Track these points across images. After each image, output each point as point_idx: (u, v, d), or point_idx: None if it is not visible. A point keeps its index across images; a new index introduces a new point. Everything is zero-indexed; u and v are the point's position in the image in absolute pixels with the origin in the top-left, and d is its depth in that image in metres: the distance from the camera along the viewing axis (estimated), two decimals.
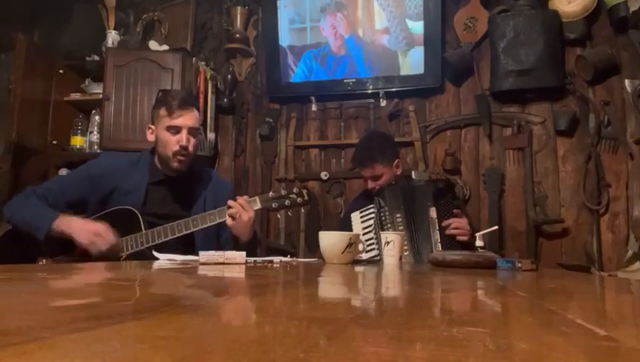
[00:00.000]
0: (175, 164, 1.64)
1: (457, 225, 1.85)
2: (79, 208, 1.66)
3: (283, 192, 1.64)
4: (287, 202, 1.62)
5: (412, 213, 1.89)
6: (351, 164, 2.26)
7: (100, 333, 0.31)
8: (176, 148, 1.62)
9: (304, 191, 1.64)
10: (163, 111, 1.65)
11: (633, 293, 0.86)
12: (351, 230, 1.96)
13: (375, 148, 2.09)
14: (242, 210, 1.56)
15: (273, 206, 1.63)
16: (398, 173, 2.11)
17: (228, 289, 0.73)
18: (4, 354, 0.24)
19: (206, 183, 1.76)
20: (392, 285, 0.87)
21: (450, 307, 0.54)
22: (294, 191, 1.64)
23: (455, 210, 1.90)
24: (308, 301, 0.59)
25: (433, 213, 1.87)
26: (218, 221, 1.57)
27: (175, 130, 1.63)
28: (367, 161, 2.05)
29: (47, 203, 1.57)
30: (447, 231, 1.84)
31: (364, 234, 1.93)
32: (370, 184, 2.06)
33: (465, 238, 1.83)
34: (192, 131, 1.66)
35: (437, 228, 1.85)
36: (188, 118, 1.65)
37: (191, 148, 1.65)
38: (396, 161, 2.10)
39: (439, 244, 1.82)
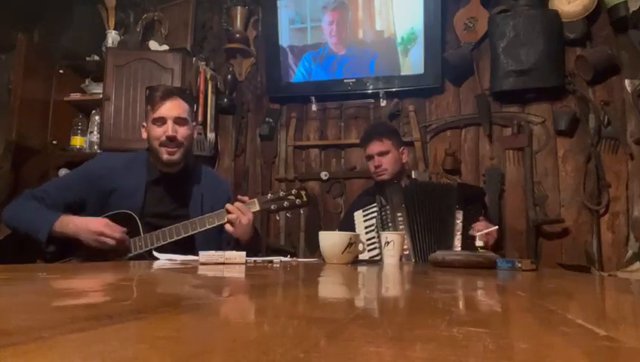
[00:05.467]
0: (165, 156, 1.60)
1: (481, 229, 1.73)
2: (78, 209, 1.65)
3: (282, 193, 1.60)
4: (285, 203, 1.59)
5: (423, 211, 1.83)
6: (361, 144, 2.18)
7: (100, 333, 0.31)
8: (163, 139, 1.59)
9: (303, 193, 1.60)
10: (148, 107, 1.65)
11: (633, 293, 0.86)
12: (353, 228, 1.95)
13: (384, 126, 2.17)
14: (241, 215, 1.54)
15: (272, 208, 1.60)
16: (404, 160, 2.09)
17: (228, 289, 0.73)
18: (4, 354, 0.24)
19: (203, 181, 1.74)
20: (392, 285, 0.87)
21: (450, 307, 0.54)
22: (293, 192, 1.60)
23: (481, 217, 1.84)
24: (308, 301, 0.59)
25: (460, 216, 1.81)
26: (217, 224, 1.55)
27: (160, 121, 1.61)
28: (376, 135, 2.05)
29: (45, 205, 1.55)
30: (471, 232, 1.76)
31: (366, 233, 1.91)
32: (377, 161, 2.02)
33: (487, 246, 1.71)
34: (178, 120, 1.62)
35: (460, 232, 1.79)
36: (171, 108, 1.61)
37: (180, 137, 1.61)
38: (402, 148, 2.10)
39: (459, 249, 1.76)
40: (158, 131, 1.61)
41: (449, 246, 1.79)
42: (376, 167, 2.04)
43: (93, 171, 1.66)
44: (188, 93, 1.84)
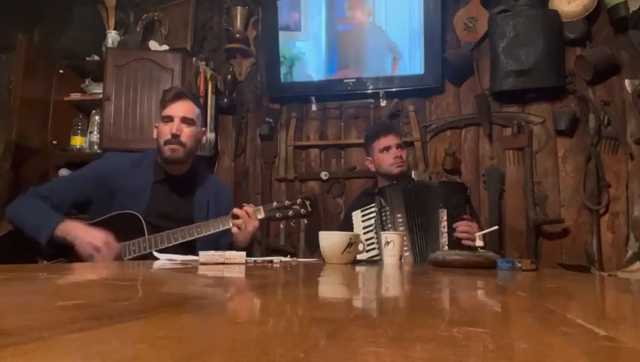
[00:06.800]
0: (167, 153, 1.64)
1: (466, 228, 1.78)
2: (83, 208, 1.66)
3: (287, 203, 1.65)
4: (290, 213, 1.63)
5: (418, 212, 1.85)
6: (374, 134, 2.17)
7: (100, 333, 0.31)
8: (168, 136, 1.63)
9: (307, 203, 1.65)
10: (160, 106, 1.70)
11: (633, 293, 0.86)
12: (352, 229, 1.95)
13: (394, 124, 2.24)
14: (248, 220, 1.58)
15: (277, 216, 1.64)
16: (408, 160, 2.16)
17: (228, 289, 0.73)
18: (4, 354, 0.24)
19: (209, 187, 1.77)
20: (392, 285, 0.87)
21: (450, 307, 0.54)
22: (298, 201, 1.65)
23: (465, 216, 1.85)
24: (308, 301, 0.59)
25: (444, 214, 1.83)
26: (222, 229, 1.57)
27: (168, 119, 1.66)
28: (394, 128, 2.13)
29: (51, 204, 1.56)
30: (455, 234, 1.80)
31: (364, 233, 1.92)
32: (397, 151, 2.06)
33: (472, 243, 1.73)
34: (185, 120, 1.66)
35: (446, 230, 1.81)
36: (180, 108, 1.66)
37: (184, 138, 1.65)
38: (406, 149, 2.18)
39: (446, 247, 1.78)
40: (165, 129, 1.65)
41: (437, 245, 1.80)
42: (396, 158, 2.05)
43: (100, 170, 1.68)
44: (195, 95, 1.87)
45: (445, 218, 1.82)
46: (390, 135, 2.10)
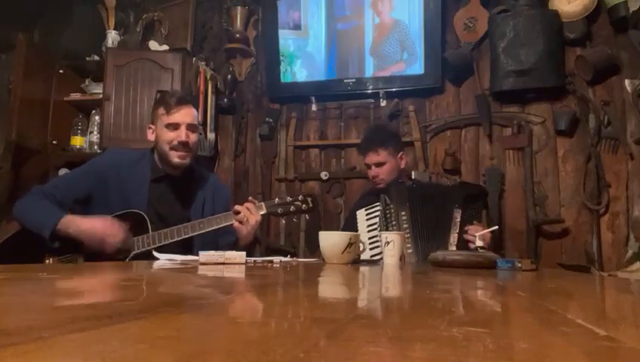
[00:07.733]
0: (175, 160, 1.66)
1: (475, 233, 1.72)
2: (85, 204, 1.67)
3: (288, 199, 1.66)
4: (292, 208, 1.64)
5: (425, 211, 1.84)
6: (358, 152, 2.22)
7: (100, 333, 0.31)
8: (175, 143, 1.65)
9: (309, 199, 1.66)
10: (162, 110, 1.69)
11: (633, 293, 0.86)
12: (356, 227, 1.95)
13: (380, 135, 2.18)
14: (250, 215, 1.60)
15: (279, 211, 1.65)
16: (403, 165, 2.11)
17: (228, 289, 0.73)
18: (4, 354, 0.24)
19: (206, 186, 1.78)
20: (392, 285, 0.87)
21: (450, 307, 0.54)
22: (300, 198, 1.66)
23: (475, 221, 1.83)
24: (308, 301, 0.59)
25: (458, 215, 1.82)
26: (224, 224, 1.59)
27: (174, 126, 1.67)
28: (372, 146, 2.08)
29: (55, 200, 1.58)
30: (465, 236, 1.78)
31: (368, 231, 1.92)
32: (374, 171, 2.06)
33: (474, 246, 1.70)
34: (190, 127, 1.68)
35: (457, 231, 1.80)
36: (185, 115, 1.68)
37: (191, 143, 1.68)
38: (400, 153, 2.11)
39: (454, 247, 1.77)
40: (171, 135, 1.66)
41: (445, 245, 1.79)
42: (373, 177, 2.07)
43: (101, 166, 1.69)
44: (193, 98, 1.88)
45: (459, 218, 1.82)
46: (368, 154, 2.08)
